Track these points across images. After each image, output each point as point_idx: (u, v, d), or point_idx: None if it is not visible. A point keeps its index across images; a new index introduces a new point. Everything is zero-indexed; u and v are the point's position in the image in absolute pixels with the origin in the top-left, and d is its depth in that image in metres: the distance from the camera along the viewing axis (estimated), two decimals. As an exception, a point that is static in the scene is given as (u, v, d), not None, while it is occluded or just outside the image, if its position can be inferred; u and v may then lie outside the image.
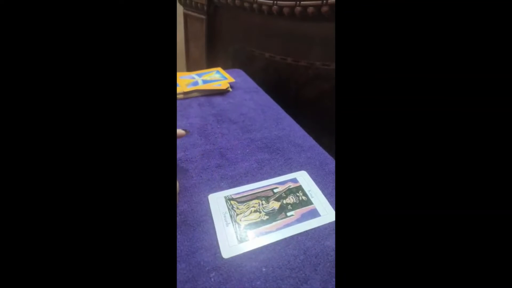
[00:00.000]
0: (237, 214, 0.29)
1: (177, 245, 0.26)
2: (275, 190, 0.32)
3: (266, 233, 0.27)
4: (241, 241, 0.26)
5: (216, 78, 0.57)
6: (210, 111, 0.48)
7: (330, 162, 0.37)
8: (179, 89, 0.52)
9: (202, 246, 0.26)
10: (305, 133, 0.43)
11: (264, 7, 0.58)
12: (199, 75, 0.58)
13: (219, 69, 0.61)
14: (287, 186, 0.33)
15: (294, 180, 0.34)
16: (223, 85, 0.54)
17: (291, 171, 0.35)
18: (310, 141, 0.41)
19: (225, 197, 0.31)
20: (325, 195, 0.31)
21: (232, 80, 0.56)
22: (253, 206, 0.30)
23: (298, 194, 0.32)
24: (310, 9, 0.53)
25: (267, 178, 0.34)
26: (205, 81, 0.55)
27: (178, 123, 0.44)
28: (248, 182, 0.33)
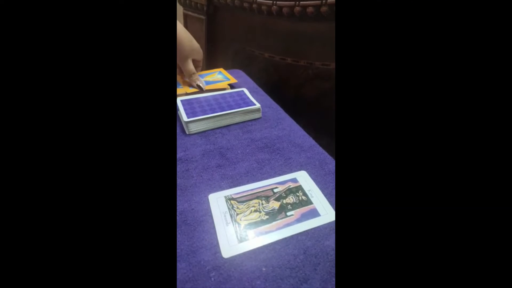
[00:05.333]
0: (237, 214, 0.29)
1: (177, 244, 0.26)
2: (275, 190, 0.32)
3: (266, 232, 0.27)
4: (241, 240, 0.26)
5: (219, 79, 0.57)
6: (210, 111, 0.48)
7: (330, 162, 0.37)
8: (181, 90, 0.52)
9: (202, 245, 0.26)
10: (305, 133, 0.43)
11: (263, 7, 0.58)
12: (202, 76, 0.58)
13: (221, 70, 0.61)
14: (287, 186, 0.33)
15: (294, 180, 0.34)
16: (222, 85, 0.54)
17: (291, 171, 0.35)
18: (310, 141, 0.41)
19: (225, 197, 0.31)
20: (325, 195, 0.32)
21: (234, 81, 0.56)
22: (253, 206, 0.30)
23: (298, 194, 0.32)
24: (310, 9, 0.53)
25: (267, 178, 0.34)
26: (207, 82, 0.55)
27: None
28: (248, 182, 0.33)
